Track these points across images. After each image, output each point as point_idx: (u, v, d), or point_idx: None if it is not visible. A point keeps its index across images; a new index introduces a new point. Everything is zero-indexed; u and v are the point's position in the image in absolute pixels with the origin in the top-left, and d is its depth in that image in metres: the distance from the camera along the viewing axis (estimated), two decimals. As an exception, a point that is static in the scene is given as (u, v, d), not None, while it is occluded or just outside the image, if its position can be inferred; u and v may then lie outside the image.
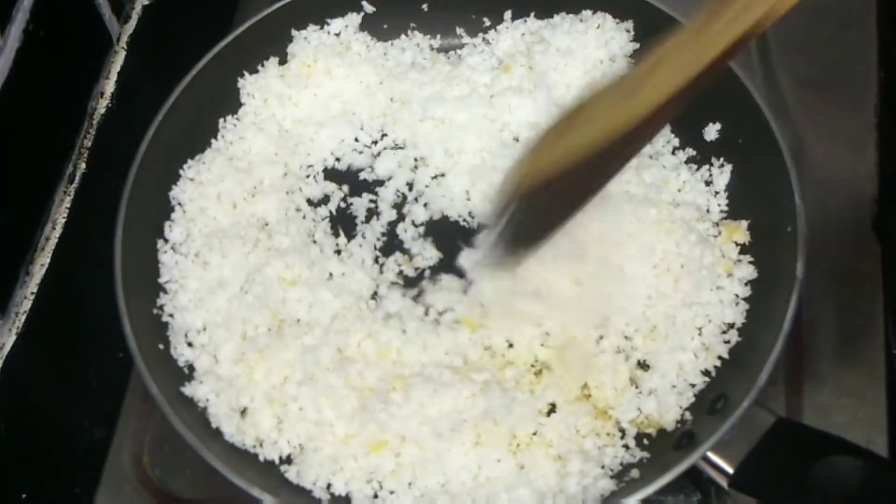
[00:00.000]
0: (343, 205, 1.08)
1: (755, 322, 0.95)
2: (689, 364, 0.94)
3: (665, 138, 1.07)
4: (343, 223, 1.07)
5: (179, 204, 1.05)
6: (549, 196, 0.80)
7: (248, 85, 1.11)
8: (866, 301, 1.03)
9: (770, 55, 1.18)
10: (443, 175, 1.08)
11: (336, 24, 1.13)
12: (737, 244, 1.00)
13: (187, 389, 0.94)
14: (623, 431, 0.93)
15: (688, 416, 0.93)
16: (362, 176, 1.10)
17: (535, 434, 0.91)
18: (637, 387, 0.94)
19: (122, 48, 1.24)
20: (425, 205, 1.07)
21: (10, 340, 1.03)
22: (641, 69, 0.74)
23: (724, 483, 0.86)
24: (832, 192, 1.09)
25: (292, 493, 0.90)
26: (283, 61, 1.13)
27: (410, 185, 1.09)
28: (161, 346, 0.97)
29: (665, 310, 0.97)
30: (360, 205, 1.08)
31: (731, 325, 0.96)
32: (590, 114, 0.76)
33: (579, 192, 0.82)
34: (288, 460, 0.93)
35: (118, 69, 1.22)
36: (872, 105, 1.14)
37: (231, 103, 1.11)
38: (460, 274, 1.01)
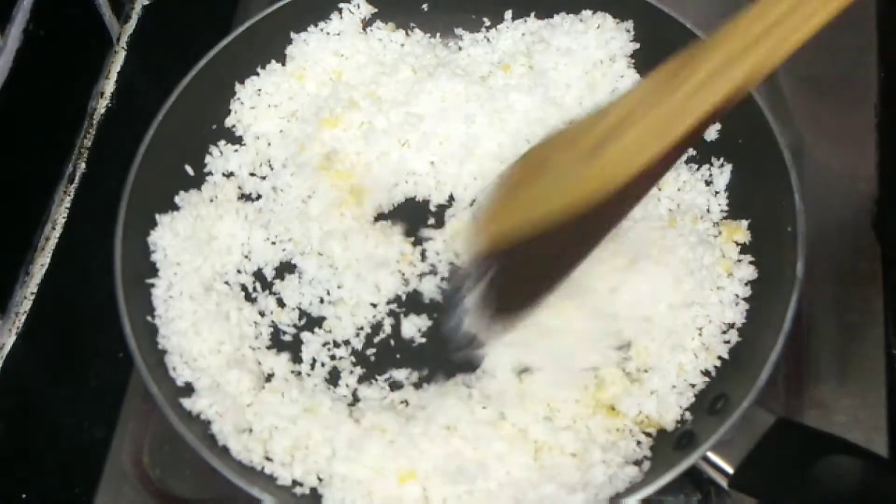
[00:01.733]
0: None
1: (755, 322, 0.95)
2: (689, 364, 0.94)
3: (665, 138, 1.07)
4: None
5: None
6: (526, 256, 0.73)
7: (248, 85, 1.11)
8: (866, 301, 1.03)
9: (770, 55, 1.18)
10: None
11: (335, 24, 1.13)
12: (737, 244, 1.00)
13: (187, 403, 0.93)
14: (630, 430, 0.93)
15: (688, 416, 0.92)
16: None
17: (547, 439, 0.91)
18: (639, 384, 0.94)
19: (122, 48, 1.24)
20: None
21: (10, 340, 1.03)
22: (605, 121, 0.66)
23: (724, 483, 0.86)
24: (832, 192, 1.09)
25: (292, 494, 0.90)
26: (283, 62, 1.13)
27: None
28: (161, 346, 0.97)
29: (665, 310, 0.96)
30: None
31: (731, 326, 0.96)
32: (549, 173, 0.69)
33: (564, 253, 0.75)
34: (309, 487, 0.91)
35: (118, 69, 1.23)
36: (872, 105, 1.14)
37: (231, 103, 1.11)
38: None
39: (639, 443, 0.91)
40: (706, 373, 0.94)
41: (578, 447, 0.90)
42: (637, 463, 0.90)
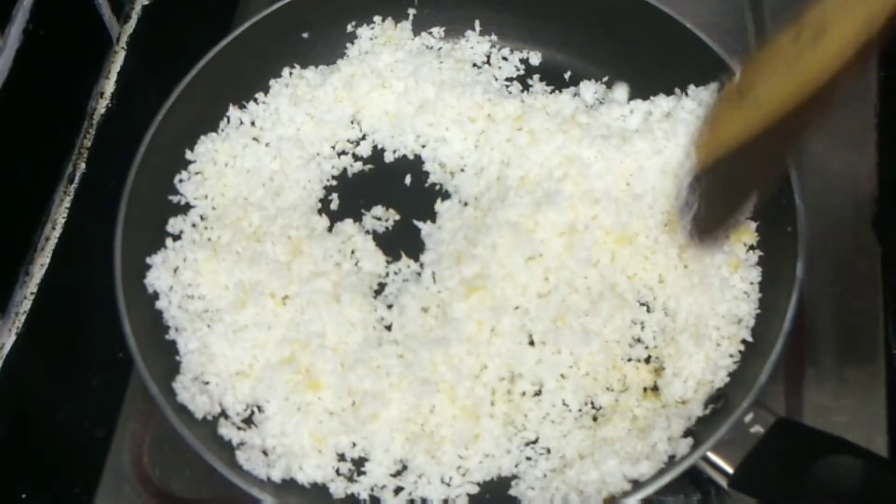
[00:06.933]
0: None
1: (756, 322, 0.95)
2: (695, 372, 0.93)
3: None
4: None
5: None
6: (734, 169, 0.83)
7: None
8: (866, 301, 1.03)
9: (770, 55, 1.18)
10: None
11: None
12: (745, 245, 0.99)
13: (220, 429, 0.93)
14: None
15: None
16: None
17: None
18: (656, 388, 0.94)
19: (122, 48, 1.24)
20: None
21: (10, 340, 1.03)
22: (801, 37, 0.73)
23: (724, 483, 0.86)
24: (832, 192, 1.09)
25: (293, 494, 0.90)
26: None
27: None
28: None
29: (669, 314, 0.96)
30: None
31: (737, 326, 0.95)
32: (759, 85, 0.77)
33: (764, 162, 0.84)
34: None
35: (118, 69, 1.23)
36: (872, 105, 1.14)
37: (231, 103, 1.11)
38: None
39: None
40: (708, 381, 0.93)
41: (627, 424, 0.91)
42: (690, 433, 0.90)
